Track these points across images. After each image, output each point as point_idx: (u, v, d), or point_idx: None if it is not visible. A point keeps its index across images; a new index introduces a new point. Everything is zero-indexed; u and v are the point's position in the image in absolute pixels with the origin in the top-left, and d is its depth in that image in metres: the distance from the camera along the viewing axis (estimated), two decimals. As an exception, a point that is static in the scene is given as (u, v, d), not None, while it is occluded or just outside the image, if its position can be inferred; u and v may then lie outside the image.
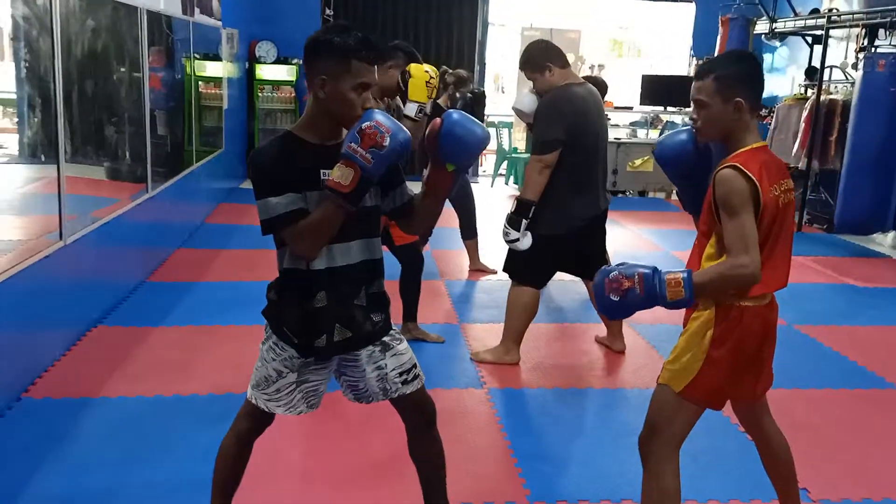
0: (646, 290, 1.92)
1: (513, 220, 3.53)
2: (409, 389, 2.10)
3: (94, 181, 4.43)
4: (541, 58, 3.54)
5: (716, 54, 8.31)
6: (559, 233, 3.56)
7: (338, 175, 1.80)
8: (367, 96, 1.89)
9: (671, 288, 1.90)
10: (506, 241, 3.59)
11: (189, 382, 3.43)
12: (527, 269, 3.69)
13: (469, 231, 5.45)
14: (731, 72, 1.98)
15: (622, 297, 1.94)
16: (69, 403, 3.19)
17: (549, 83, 3.52)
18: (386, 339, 2.08)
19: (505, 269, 3.81)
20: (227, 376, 3.49)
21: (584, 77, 5.84)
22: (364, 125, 1.79)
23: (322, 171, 1.89)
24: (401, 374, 2.09)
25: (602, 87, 5.67)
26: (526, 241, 3.54)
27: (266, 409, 2.08)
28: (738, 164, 1.93)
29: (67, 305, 3.80)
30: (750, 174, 1.91)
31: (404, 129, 1.83)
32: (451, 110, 2.01)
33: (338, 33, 1.86)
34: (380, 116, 1.81)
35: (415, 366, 2.12)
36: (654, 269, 1.93)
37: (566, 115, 3.46)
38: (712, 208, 1.97)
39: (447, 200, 5.53)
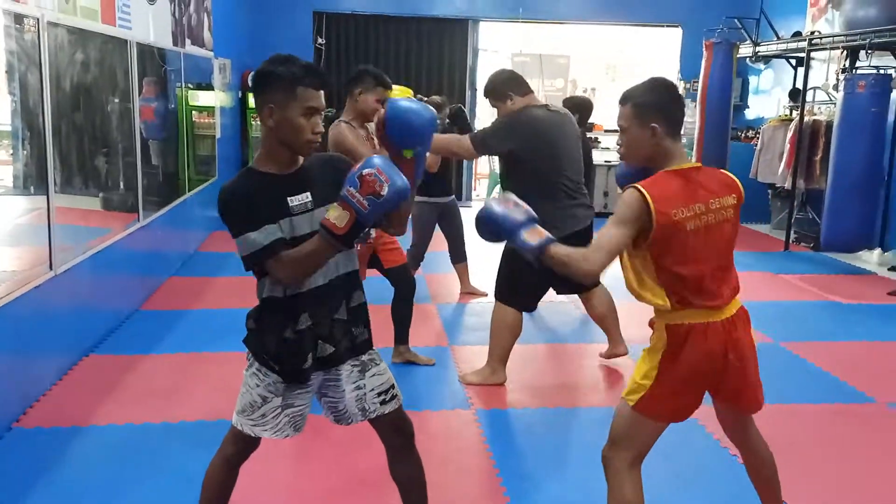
0: (511, 217, 2.08)
1: None
2: (388, 409, 2.14)
3: (86, 211, 4.49)
4: (502, 87, 3.72)
5: (701, 78, 8.45)
6: None
7: (334, 216, 1.84)
8: (317, 120, 1.95)
9: (532, 233, 2.07)
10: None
11: (179, 409, 3.46)
12: (513, 293, 3.74)
13: (458, 255, 5.52)
14: (646, 99, 2.09)
15: (497, 206, 2.11)
16: (59, 432, 3.22)
17: (509, 111, 3.69)
18: (365, 358, 2.13)
19: (495, 292, 3.87)
20: (218, 402, 3.52)
21: (566, 98, 5.94)
22: (365, 171, 1.81)
23: (288, 197, 1.96)
24: (379, 394, 2.13)
25: (585, 106, 5.80)
26: None
27: (252, 434, 2.11)
28: (640, 186, 2.02)
29: (60, 335, 3.85)
30: (646, 194, 1.99)
31: (402, 176, 1.84)
32: (394, 98, 2.06)
33: (281, 63, 1.93)
34: (381, 163, 1.83)
35: (393, 386, 2.17)
36: (532, 219, 2.10)
37: (515, 131, 3.62)
38: None
39: (437, 226, 5.59)
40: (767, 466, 2.34)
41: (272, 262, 1.94)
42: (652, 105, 2.08)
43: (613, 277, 3.56)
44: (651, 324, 2.17)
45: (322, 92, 1.96)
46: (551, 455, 3.17)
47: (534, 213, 2.12)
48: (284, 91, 1.91)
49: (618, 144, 2.17)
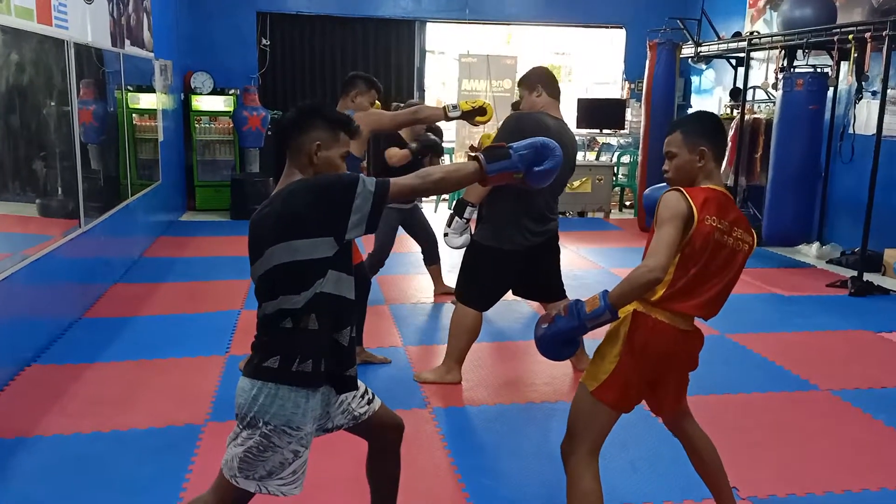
0: (568, 310, 2.09)
1: (450, 218, 3.73)
2: (377, 405, 2.16)
3: (24, 218, 4.34)
4: (535, 79, 3.70)
5: (645, 78, 8.61)
6: (501, 247, 3.63)
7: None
8: (345, 165, 2.05)
9: (589, 302, 2.07)
10: (444, 238, 3.81)
11: (128, 417, 3.37)
12: (470, 288, 3.76)
13: (432, 257, 5.52)
14: (695, 127, 2.22)
15: (551, 322, 2.12)
16: (2, 444, 3.10)
17: (531, 102, 3.67)
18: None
19: (455, 293, 3.88)
20: (168, 409, 3.45)
21: (515, 102, 5.94)
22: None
23: None
24: (361, 396, 2.13)
25: None
26: (457, 241, 3.74)
27: (281, 495, 1.95)
28: (682, 188, 2.13)
29: (-2, 344, 3.71)
30: (689, 197, 2.09)
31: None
32: (524, 146, 2.07)
33: (327, 108, 2.04)
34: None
35: (366, 386, 2.17)
36: (577, 300, 2.13)
37: (522, 130, 3.50)
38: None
39: (403, 231, 5.61)
40: (709, 456, 2.40)
41: (410, 178, 1.97)
42: (700, 131, 2.20)
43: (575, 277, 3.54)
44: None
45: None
46: (509, 450, 3.19)
47: (571, 302, 2.11)
48: (330, 132, 2.00)
49: (664, 170, 2.26)
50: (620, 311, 2.13)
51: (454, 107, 3.78)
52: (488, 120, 3.84)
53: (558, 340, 2.11)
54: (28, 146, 4.28)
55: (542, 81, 3.68)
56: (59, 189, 4.76)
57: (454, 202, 3.84)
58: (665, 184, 2.33)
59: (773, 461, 3.09)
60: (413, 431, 3.30)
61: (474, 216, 3.72)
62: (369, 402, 2.15)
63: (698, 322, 2.24)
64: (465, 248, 3.80)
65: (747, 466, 3.00)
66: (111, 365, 4.04)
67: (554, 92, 3.70)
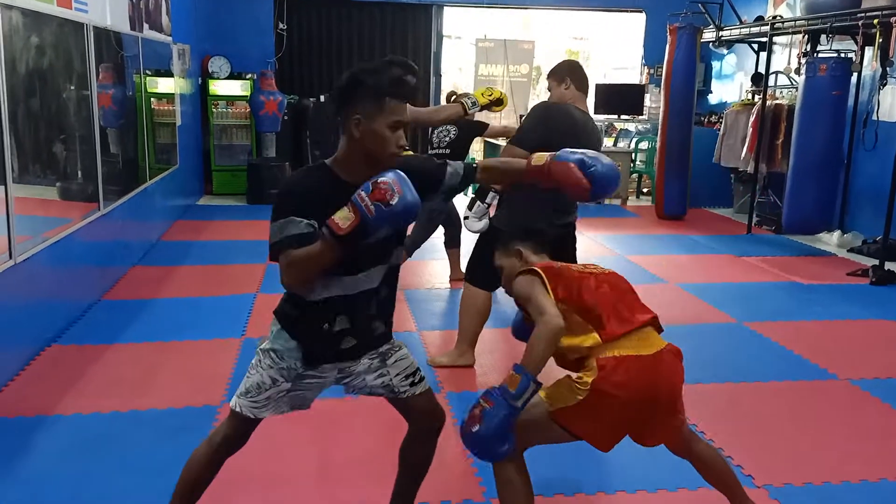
0: (493, 399, 1.97)
1: (471, 202, 3.78)
2: (419, 390, 2.16)
3: (44, 201, 4.38)
4: (565, 72, 3.68)
5: (665, 63, 8.52)
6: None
7: (340, 216, 1.78)
8: (401, 134, 1.91)
9: (509, 381, 1.97)
10: (464, 222, 3.87)
11: (146, 398, 3.41)
12: (480, 270, 3.75)
13: (454, 241, 5.56)
14: (506, 239, 2.45)
15: (480, 422, 1.97)
16: (23, 422, 3.15)
17: (559, 94, 3.64)
18: (383, 349, 2.13)
19: (465, 274, 3.90)
20: (186, 391, 3.48)
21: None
22: (380, 179, 1.78)
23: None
24: (406, 377, 2.14)
25: None
26: (477, 225, 3.78)
27: (252, 416, 2.06)
28: (527, 269, 2.24)
29: (20, 325, 3.75)
30: (535, 267, 2.22)
31: (415, 193, 1.80)
32: (583, 157, 2.05)
33: (372, 73, 1.88)
34: (395, 176, 1.79)
35: (419, 369, 2.18)
36: (490, 388, 2.01)
37: (549, 123, 3.49)
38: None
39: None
40: (717, 467, 2.32)
41: (282, 259, 1.85)
42: (510, 239, 2.44)
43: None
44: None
45: (407, 104, 1.96)
46: (522, 436, 3.18)
47: (487, 392, 2.02)
48: (373, 102, 1.87)
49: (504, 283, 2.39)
50: (585, 365, 2.07)
51: (473, 103, 3.86)
52: (503, 108, 3.94)
53: (498, 435, 1.96)
54: (48, 130, 4.32)
55: (571, 75, 3.66)
56: (79, 172, 4.80)
57: (477, 187, 3.86)
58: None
59: (789, 450, 3.07)
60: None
61: (496, 201, 3.73)
62: (413, 384, 2.15)
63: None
64: (477, 237, 3.84)
65: (763, 454, 2.99)
66: (130, 346, 4.08)
67: (582, 86, 3.68)
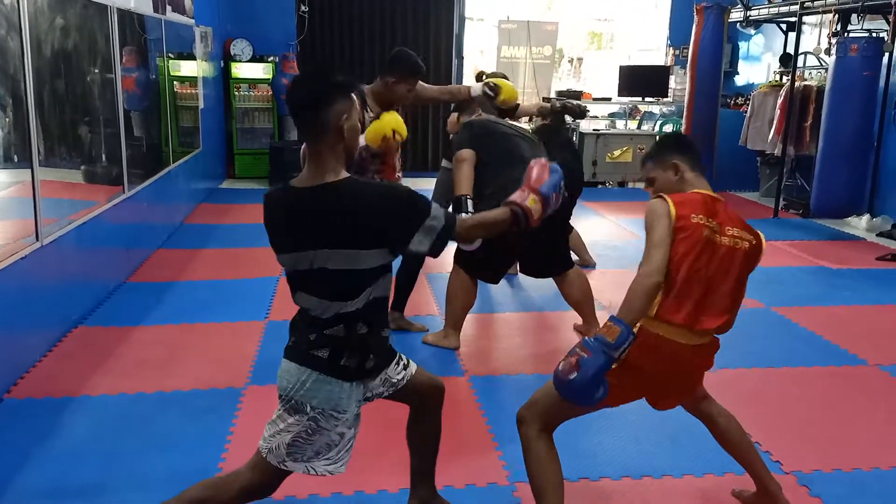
0: (590, 349, 1.96)
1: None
2: (413, 369, 2.16)
3: (70, 184, 4.41)
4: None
5: (691, 43, 8.38)
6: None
7: (533, 206, 2.01)
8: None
9: (606, 332, 1.97)
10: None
11: (172, 379, 3.44)
12: (470, 262, 3.75)
13: None
14: (660, 148, 2.32)
15: (577, 370, 1.97)
16: (51, 402, 3.19)
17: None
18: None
19: (454, 256, 3.86)
20: (211, 372, 3.51)
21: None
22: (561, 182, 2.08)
23: None
24: (396, 363, 2.13)
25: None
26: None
27: (327, 475, 1.99)
28: (662, 194, 2.15)
29: (47, 306, 3.79)
30: (667, 199, 2.12)
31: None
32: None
33: (332, 72, 1.92)
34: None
35: (399, 353, 2.16)
36: (585, 338, 2.02)
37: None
38: None
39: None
40: (734, 434, 2.34)
41: (459, 222, 1.97)
42: (666, 150, 2.29)
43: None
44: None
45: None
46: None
47: (586, 340, 2.00)
48: (347, 99, 1.88)
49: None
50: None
51: (491, 88, 3.68)
52: (511, 101, 3.76)
53: (595, 383, 1.97)
54: (73, 113, 4.34)
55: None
56: (104, 155, 4.82)
57: (450, 206, 3.61)
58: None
59: (818, 436, 3.03)
60: (451, 399, 3.30)
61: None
62: (405, 367, 2.15)
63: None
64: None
65: (792, 441, 2.95)
66: (155, 328, 4.11)
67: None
